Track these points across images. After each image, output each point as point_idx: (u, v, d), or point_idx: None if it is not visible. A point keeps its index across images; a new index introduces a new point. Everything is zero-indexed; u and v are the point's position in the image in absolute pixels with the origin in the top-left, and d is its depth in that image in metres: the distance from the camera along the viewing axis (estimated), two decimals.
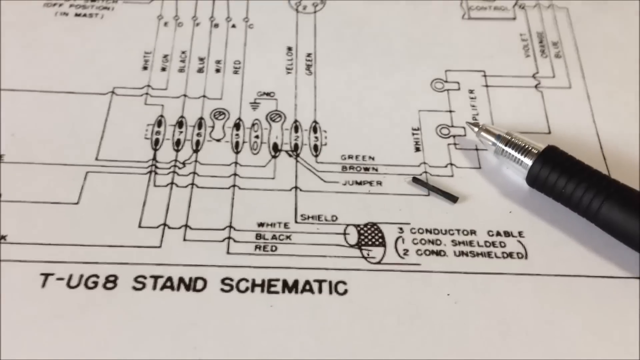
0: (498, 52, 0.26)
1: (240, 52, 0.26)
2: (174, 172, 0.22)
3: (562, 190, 0.21)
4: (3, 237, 0.20)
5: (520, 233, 0.21)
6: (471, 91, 0.25)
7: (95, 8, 0.27)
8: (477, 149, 0.23)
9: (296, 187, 0.22)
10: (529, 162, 0.21)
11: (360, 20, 0.27)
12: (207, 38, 0.26)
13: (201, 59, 0.25)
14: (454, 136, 0.23)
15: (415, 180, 0.22)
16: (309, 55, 0.26)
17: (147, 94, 0.24)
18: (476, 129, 0.23)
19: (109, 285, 0.19)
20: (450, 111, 0.24)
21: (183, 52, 0.26)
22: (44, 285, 0.19)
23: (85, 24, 0.26)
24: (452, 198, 0.22)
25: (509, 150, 0.22)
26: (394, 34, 0.26)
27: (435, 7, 0.27)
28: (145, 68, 0.25)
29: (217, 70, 0.25)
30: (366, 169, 0.22)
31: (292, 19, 0.27)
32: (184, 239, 0.20)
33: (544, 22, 0.27)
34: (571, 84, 0.25)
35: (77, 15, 0.26)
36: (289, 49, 0.26)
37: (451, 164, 0.23)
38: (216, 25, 0.26)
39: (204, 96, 0.24)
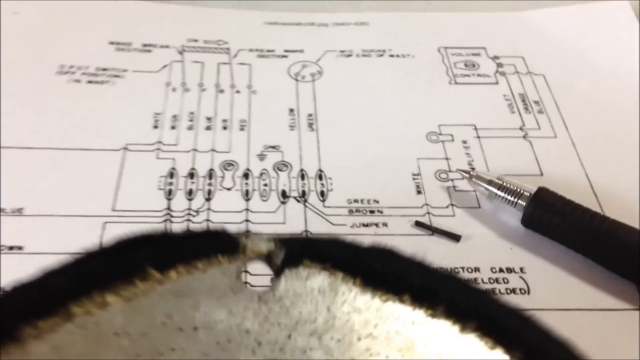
0: (485, 110, 0.27)
1: (246, 112, 0.27)
2: (188, 219, 0.23)
3: (556, 229, 0.22)
4: None
5: (521, 269, 0.22)
6: (464, 142, 0.26)
7: (107, 76, 0.28)
8: (475, 191, 0.24)
9: (306, 231, 0.23)
10: (522, 205, 0.22)
11: (356, 87, 0.28)
12: (214, 101, 0.27)
13: (208, 119, 0.27)
14: (452, 179, 0.25)
15: (418, 223, 0.23)
16: (310, 115, 0.27)
17: (158, 149, 0.25)
18: (467, 176, 0.24)
19: None
20: (447, 159, 0.26)
21: (191, 113, 0.27)
22: None
23: (97, 89, 0.27)
24: (455, 237, 0.23)
25: (502, 194, 0.23)
26: (386, 97, 0.28)
27: (423, 75, 0.29)
28: (155, 127, 0.26)
29: (224, 128, 0.26)
30: (372, 212, 0.23)
31: (292, 87, 0.28)
32: None
33: (524, 85, 0.29)
34: (556, 134, 0.27)
35: (89, 82, 0.28)
36: (291, 110, 0.27)
37: (452, 205, 0.24)
38: (221, 91, 0.28)
39: (213, 150, 0.25)
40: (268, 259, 0.14)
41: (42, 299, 0.12)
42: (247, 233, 0.14)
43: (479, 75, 0.29)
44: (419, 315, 0.14)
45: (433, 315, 0.14)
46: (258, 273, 0.18)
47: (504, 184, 0.23)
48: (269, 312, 0.14)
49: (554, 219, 0.22)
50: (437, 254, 0.22)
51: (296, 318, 0.14)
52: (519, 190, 0.23)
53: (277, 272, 0.14)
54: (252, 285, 0.15)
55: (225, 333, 0.14)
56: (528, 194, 0.23)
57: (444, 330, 0.13)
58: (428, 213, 0.24)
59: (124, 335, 0.13)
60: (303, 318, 0.14)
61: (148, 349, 0.13)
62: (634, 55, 0.30)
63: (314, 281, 0.14)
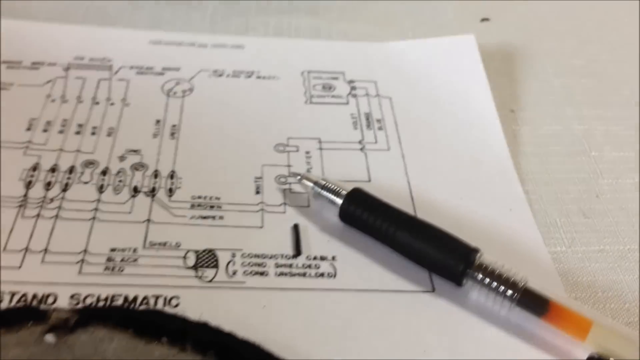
0: (332, 126, 0.31)
1: (116, 122, 0.30)
2: (41, 207, 0.26)
3: (365, 223, 0.25)
4: None
5: (333, 257, 0.25)
6: (307, 152, 0.30)
7: None
8: (306, 193, 0.28)
9: (148, 220, 0.26)
10: (339, 202, 0.26)
11: (222, 103, 0.32)
12: (88, 111, 0.30)
13: (80, 125, 0.30)
14: (289, 183, 0.28)
15: (295, 227, 0.26)
16: (174, 126, 0.30)
17: (27, 147, 0.28)
18: (298, 177, 0.27)
19: None
20: (289, 166, 0.29)
21: (64, 120, 0.30)
22: None
23: None
24: (297, 252, 0.25)
25: (324, 193, 0.26)
26: (247, 113, 0.31)
27: (283, 95, 0.33)
28: (28, 129, 0.29)
29: (93, 134, 0.29)
30: (212, 207, 0.27)
31: (163, 101, 0.32)
32: (42, 261, 0.24)
33: (371, 106, 0.32)
34: (390, 147, 0.30)
35: None
36: (158, 121, 0.30)
37: (285, 204, 0.27)
38: (97, 103, 0.31)
39: (78, 150, 0.28)
40: (66, 322, 0.21)
41: None
42: (55, 308, 0.22)
43: (333, 96, 0.33)
44: (172, 352, 0.20)
45: (182, 350, 0.21)
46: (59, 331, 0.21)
47: (326, 184, 0.26)
48: (58, 353, 0.20)
49: (363, 215, 0.25)
50: (262, 244, 0.25)
51: (79, 356, 0.20)
52: (337, 189, 0.26)
53: (71, 330, 0.21)
54: (52, 339, 0.21)
55: None
56: (344, 193, 0.26)
57: None
58: (262, 210, 0.27)
59: None
60: (85, 355, 0.20)
61: None
62: (473, 83, 0.34)
63: (98, 334, 0.21)
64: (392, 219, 0.25)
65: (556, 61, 0.37)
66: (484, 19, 0.40)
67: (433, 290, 0.24)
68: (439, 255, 0.24)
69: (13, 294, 0.23)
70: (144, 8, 0.38)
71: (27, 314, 0.21)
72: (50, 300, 0.23)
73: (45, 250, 0.24)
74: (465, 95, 0.33)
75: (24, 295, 0.23)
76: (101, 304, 0.23)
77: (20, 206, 0.25)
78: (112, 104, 0.31)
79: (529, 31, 0.39)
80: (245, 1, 0.39)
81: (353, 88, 0.33)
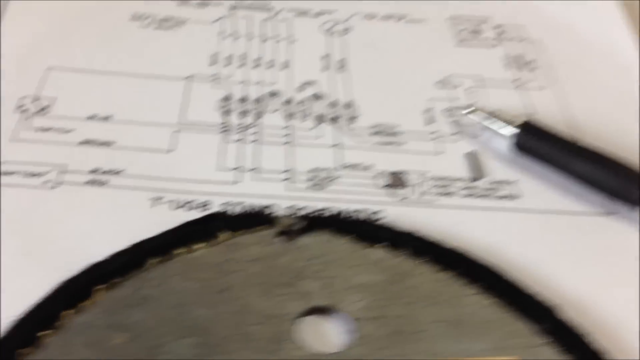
0: (485, 66, 0.33)
1: (286, 57, 0.32)
2: (242, 132, 0.28)
3: (540, 152, 0.27)
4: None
5: (512, 182, 0.27)
6: (467, 89, 0.31)
7: (171, 24, 0.34)
8: (474, 124, 0.29)
9: (337, 144, 0.28)
10: (512, 132, 0.28)
11: (378, 43, 0.34)
12: (259, 48, 0.33)
13: (254, 60, 0.32)
14: (459, 115, 0.30)
15: (473, 153, 0.28)
16: (340, 60, 0.32)
17: (213, 80, 0.31)
18: (469, 110, 0.29)
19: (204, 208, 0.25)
20: (456, 98, 0.31)
21: (240, 56, 0.32)
22: (152, 206, 0.25)
23: (162, 34, 0.33)
24: (478, 175, 0.28)
25: (495, 124, 0.28)
26: (403, 53, 0.33)
27: (434, 37, 0.35)
28: (211, 65, 0.31)
29: (269, 67, 0.32)
30: (391, 134, 0.29)
31: (324, 39, 0.34)
32: (252, 179, 0.26)
33: (521, 48, 0.34)
34: (548, 85, 0.32)
35: (155, 28, 0.33)
36: (324, 56, 0.33)
37: (458, 133, 0.29)
38: (265, 40, 0.33)
39: (260, 83, 0.31)
40: (291, 227, 0.23)
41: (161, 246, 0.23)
42: (282, 216, 0.24)
43: (482, 39, 0.34)
44: (388, 256, 0.23)
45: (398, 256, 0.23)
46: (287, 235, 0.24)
47: (499, 115, 0.28)
48: (290, 252, 0.23)
49: (538, 145, 0.27)
50: (446, 167, 0.27)
51: (307, 256, 0.23)
52: (510, 120, 0.28)
53: (297, 234, 0.23)
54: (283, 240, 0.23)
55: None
56: (516, 124, 0.28)
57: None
58: (435, 138, 0.29)
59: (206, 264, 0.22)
60: (312, 256, 0.23)
61: (221, 270, 0.22)
62: (616, 34, 0.35)
63: (322, 237, 0.23)
64: (567, 148, 0.27)
65: None
66: None
67: (611, 213, 0.26)
68: (615, 181, 0.26)
69: (235, 205, 0.25)
70: None
71: (260, 219, 0.24)
72: (268, 211, 0.25)
73: (253, 169, 0.27)
74: (609, 45, 0.34)
75: (246, 205, 0.25)
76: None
77: (222, 132, 0.28)
78: (278, 41, 0.33)
79: None
80: None
81: (502, 32, 0.35)
